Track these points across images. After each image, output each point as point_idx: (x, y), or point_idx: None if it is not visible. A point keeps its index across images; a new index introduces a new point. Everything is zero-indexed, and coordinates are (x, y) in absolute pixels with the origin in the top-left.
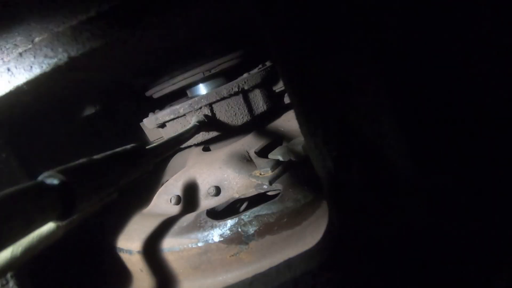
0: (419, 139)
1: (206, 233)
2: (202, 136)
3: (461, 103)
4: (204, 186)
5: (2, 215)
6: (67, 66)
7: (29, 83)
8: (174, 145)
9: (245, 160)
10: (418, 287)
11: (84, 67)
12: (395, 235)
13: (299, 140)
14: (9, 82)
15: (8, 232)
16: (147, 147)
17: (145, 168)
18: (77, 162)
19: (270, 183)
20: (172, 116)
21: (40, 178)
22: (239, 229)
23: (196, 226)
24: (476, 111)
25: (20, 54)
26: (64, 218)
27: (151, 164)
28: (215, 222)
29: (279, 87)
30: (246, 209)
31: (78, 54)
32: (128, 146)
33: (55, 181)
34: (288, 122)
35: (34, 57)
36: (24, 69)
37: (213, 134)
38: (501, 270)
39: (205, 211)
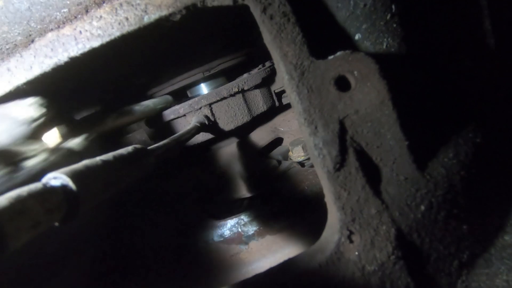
0: (418, 136)
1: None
2: (202, 137)
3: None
4: None
5: (9, 215)
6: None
7: None
8: (175, 145)
9: None
10: None
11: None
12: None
13: (299, 140)
14: None
15: (15, 232)
16: (148, 148)
17: (146, 169)
18: (81, 163)
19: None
20: (172, 117)
21: (45, 179)
22: (239, 229)
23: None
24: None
25: None
26: (68, 221)
27: (153, 165)
28: (216, 222)
29: (278, 87)
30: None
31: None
32: (130, 147)
33: (60, 183)
34: (288, 122)
35: None
36: None
37: (213, 134)
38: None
39: None
